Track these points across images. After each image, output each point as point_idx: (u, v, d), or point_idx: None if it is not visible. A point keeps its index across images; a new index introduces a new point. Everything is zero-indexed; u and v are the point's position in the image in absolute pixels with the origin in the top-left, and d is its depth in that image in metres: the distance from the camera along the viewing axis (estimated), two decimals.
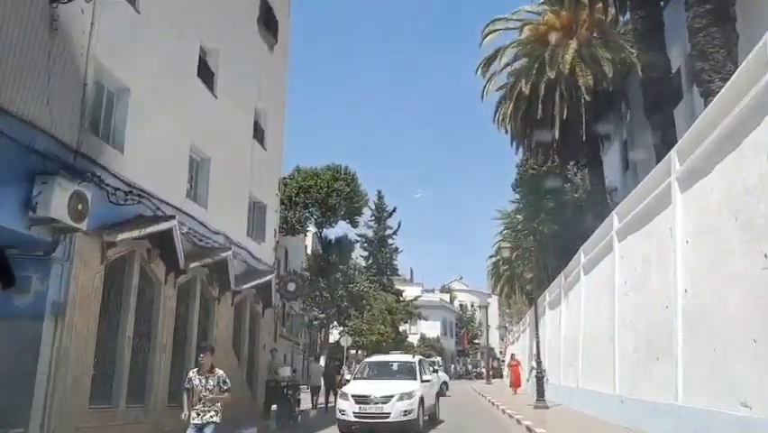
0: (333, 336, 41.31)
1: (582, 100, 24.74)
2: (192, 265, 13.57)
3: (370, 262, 55.20)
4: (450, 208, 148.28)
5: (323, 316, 34.35)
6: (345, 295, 36.99)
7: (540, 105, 25.52)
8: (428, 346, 66.31)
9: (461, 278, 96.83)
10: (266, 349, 18.55)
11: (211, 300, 15.45)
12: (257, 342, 18.09)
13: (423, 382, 14.81)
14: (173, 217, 12.20)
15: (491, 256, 61.55)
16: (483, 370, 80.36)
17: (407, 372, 15.21)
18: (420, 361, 16.42)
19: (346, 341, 31.92)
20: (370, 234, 55.52)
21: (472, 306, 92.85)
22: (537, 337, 21.05)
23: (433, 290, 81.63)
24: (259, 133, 18.98)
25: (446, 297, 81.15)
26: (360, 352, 53.65)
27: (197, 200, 14.99)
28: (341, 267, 36.95)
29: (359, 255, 55.45)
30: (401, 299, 55.13)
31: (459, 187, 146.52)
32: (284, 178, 31.63)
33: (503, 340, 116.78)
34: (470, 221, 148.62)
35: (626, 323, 13.76)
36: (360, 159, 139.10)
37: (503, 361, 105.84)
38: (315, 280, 32.75)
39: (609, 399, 14.34)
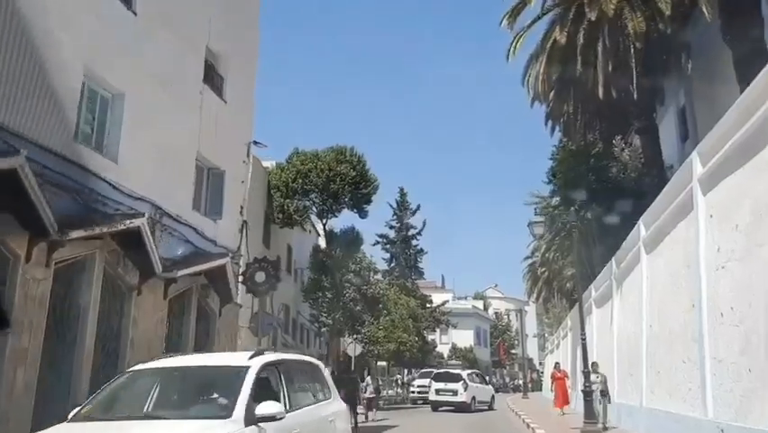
0: (343, 345, 36.91)
1: (632, 49, 20.02)
2: (76, 235, 9.30)
3: (393, 264, 50.71)
4: (484, 214, 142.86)
5: (330, 321, 29.85)
6: (359, 298, 32.48)
7: (579, 59, 20.82)
8: (460, 357, 61.28)
9: (495, 285, 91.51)
10: None
11: (126, 290, 11.16)
12: (211, 348, 13.73)
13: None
14: (17, 153, 7.93)
15: (527, 258, 56.70)
16: (521, 382, 74.91)
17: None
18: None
19: (354, 350, 27.39)
20: (391, 234, 51.11)
21: (508, 314, 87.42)
22: (584, 338, 16.14)
23: (465, 298, 76.52)
24: (214, 81, 14.74)
25: (479, 304, 75.89)
26: (391, 364, 49.27)
27: (101, 149, 10.76)
28: (352, 266, 32.47)
29: (380, 258, 51.04)
30: (427, 304, 50.37)
31: (495, 192, 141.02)
32: (281, 163, 27.54)
33: (542, 350, 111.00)
34: (506, 228, 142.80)
35: (722, 313, 9.00)
36: (388, 157, 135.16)
37: (542, 372, 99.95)
38: (318, 279, 28.33)
39: (698, 425, 9.55)
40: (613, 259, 17.85)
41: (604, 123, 25.69)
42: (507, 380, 78.89)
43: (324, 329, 31.51)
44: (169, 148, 12.49)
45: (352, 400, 21.63)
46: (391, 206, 51.12)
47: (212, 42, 14.46)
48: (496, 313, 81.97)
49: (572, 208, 18.25)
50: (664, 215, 12.06)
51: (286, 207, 26.22)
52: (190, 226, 13.25)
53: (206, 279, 13.35)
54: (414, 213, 51.12)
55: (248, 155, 16.25)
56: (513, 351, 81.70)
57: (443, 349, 61.14)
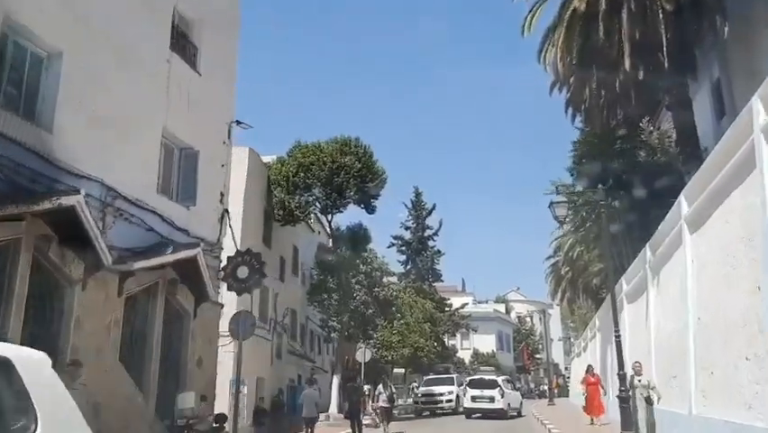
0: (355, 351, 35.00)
1: (660, 13, 17.99)
2: None
3: (409, 267, 48.69)
4: (506, 217, 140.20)
5: (338, 326, 27.91)
6: (370, 301, 30.50)
7: (601, 27, 18.81)
8: (482, 363, 59.02)
9: (517, 288, 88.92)
10: (201, 366, 12.34)
11: (67, 284, 9.33)
12: (184, 356, 11.88)
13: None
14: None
15: (549, 257, 54.34)
16: (547, 388, 72.16)
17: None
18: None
19: (363, 356, 25.42)
20: (407, 235, 49.09)
21: (531, 317, 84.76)
22: (618, 336, 13.98)
23: (486, 302, 74.14)
24: (186, 50, 12.94)
25: (501, 308, 73.44)
26: (408, 370, 47.19)
27: (32, 117, 8.98)
28: (363, 267, 30.52)
29: (396, 260, 49.06)
30: (446, 308, 48.24)
31: (516, 193, 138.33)
32: (282, 157, 25.75)
33: (567, 355, 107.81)
34: (527, 230, 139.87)
35: None
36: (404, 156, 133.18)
37: (568, 377, 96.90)
38: (323, 279, 26.41)
39: None
40: (647, 246, 15.68)
41: (630, 103, 23.54)
42: (532, 386, 76.21)
43: (333, 334, 29.58)
44: (126, 121, 10.70)
45: (355, 411, 19.75)
46: (406, 206, 49.28)
47: (181, 5, 12.67)
48: (518, 317, 79.40)
49: (600, 187, 16.07)
50: (715, 182, 9.96)
51: (286, 203, 24.36)
52: (155, 213, 11.42)
53: (177, 274, 11.48)
54: (429, 213, 49.15)
55: (229, 136, 14.42)
56: (537, 356, 79.03)
57: (465, 355, 58.94)
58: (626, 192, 22.56)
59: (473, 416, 25.43)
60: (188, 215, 12.51)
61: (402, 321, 32.71)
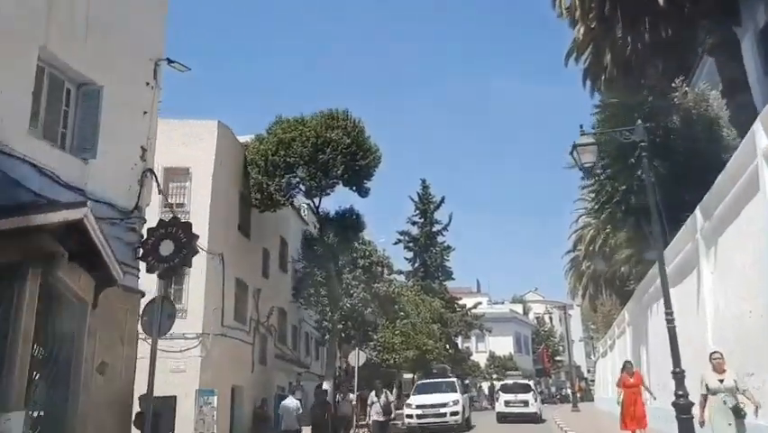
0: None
1: None
2: None
3: (417, 264, 45.35)
4: (521, 214, 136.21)
5: (329, 325, 24.67)
6: (369, 298, 27.29)
7: None
8: (499, 366, 55.39)
9: (535, 289, 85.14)
10: (106, 373, 9.14)
11: None
12: (78, 359, 8.68)
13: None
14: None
15: (568, 252, 50.70)
16: (569, 392, 68.22)
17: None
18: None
19: (356, 358, 22.16)
20: (414, 231, 45.75)
21: (550, 317, 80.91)
22: (671, 318, 10.51)
23: (502, 302, 70.49)
24: None
25: (518, 308, 69.75)
26: (417, 375, 43.78)
27: None
28: (361, 261, 27.33)
29: (403, 257, 45.76)
30: (457, 307, 44.83)
31: (531, 190, 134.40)
32: (261, 135, 22.55)
33: (588, 357, 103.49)
34: (547, 228, 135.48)
35: None
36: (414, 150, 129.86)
37: (591, 380, 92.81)
38: (309, 272, 23.11)
39: None
40: (697, 209, 12.29)
41: (660, 60, 20.15)
42: (553, 390, 72.44)
43: (327, 337, 26.37)
44: None
45: (319, 423, 16.60)
46: (412, 199, 45.97)
47: None
48: (537, 318, 75.64)
49: (639, 123, 12.66)
50: None
51: (264, 185, 21.17)
52: (26, 161, 8.27)
53: (64, 247, 8.25)
54: (438, 206, 45.76)
55: (155, 76, 11.23)
56: (558, 358, 75.16)
57: (480, 358, 55.31)
58: (661, 160, 19.14)
59: (506, 420, 25.39)
60: (86, 170, 9.34)
61: (406, 321, 29.38)
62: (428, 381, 22.24)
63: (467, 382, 52.19)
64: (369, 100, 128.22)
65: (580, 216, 45.90)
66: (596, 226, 43.43)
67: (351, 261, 24.53)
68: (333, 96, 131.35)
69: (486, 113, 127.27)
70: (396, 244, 44.96)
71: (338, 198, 54.98)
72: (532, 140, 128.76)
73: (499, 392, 27.41)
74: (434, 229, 45.57)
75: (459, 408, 20.47)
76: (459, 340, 50.49)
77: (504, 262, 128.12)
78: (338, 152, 21.39)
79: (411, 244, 44.93)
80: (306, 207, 25.38)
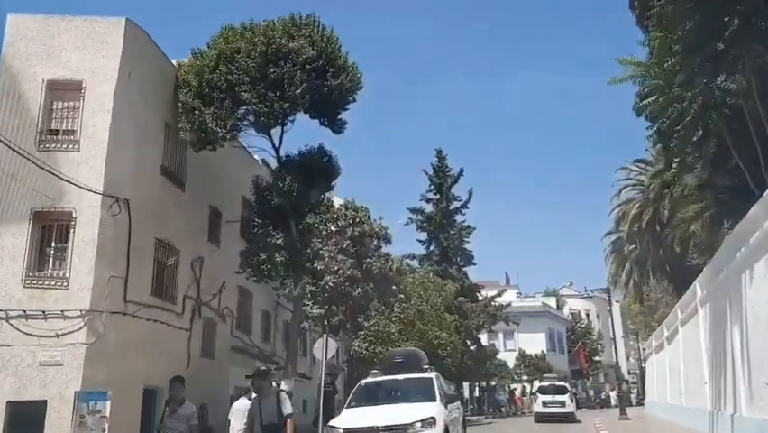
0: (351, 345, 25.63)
1: None
2: None
3: (432, 248, 39.28)
4: (556, 206, 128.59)
5: (313, 311, 18.90)
6: (360, 277, 21.48)
7: None
8: (530, 366, 48.98)
9: (570, 284, 77.88)
10: None
11: None
12: None
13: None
14: None
15: (609, 233, 44.19)
16: (614, 395, 61.31)
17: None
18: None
19: (323, 349, 16.31)
20: (428, 208, 39.65)
21: (587, 314, 73.92)
22: None
23: (533, 295, 63.92)
24: None
25: (551, 302, 63.10)
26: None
27: None
28: (349, 230, 21.61)
29: (416, 239, 39.73)
30: (479, 296, 38.67)
31: (568, 179, 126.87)
32: (202, 49, 16.79)
33: (628, 358, 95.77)
34: (583, 218, 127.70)
35: None
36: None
37: (633, 382, 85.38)
38: (263, 232, 17.21)
39: None
40: None
41: None
42: (591, 393, 65.53)
43: (305, 324, 20.70)
44: None
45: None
46: (426, 173, 39.83)
47: None
48: (572, 314, 68.80)
49: None
50: None
51: (197, 112, 15.45)
52: None
53: None
54: (456, 180, 39.52)
55: None
56: (596, 358, 68.22)
57: (508, 357, 48.79)
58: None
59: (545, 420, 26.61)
60: None
61: (408, 306, 23.45)
62: (380, 379, 11.56)
63: (493, 383, 46.25)
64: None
65: (623, 188, 39.46)
66: (642, 201, 37.05)
67: (324, 219, 18.61)
68: None
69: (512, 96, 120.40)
70: (407, 224, 39.00)
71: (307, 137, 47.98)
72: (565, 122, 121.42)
73: (537, 394, 30.14)
74: (451, 207, 39.42)
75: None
76: (484, 337, 44.39)
77: (535, 256, 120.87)
78: (298, 67, 15.58)
79: (425, 224, 38.83)
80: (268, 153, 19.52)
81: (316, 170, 17.36)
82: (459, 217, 39.60)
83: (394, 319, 21.75)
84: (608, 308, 45.17)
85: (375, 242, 23.73)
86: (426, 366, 10.61)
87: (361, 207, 23.73)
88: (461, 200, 39.71)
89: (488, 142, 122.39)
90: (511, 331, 52.90)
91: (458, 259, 38.99)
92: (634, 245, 42.55)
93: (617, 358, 32.35)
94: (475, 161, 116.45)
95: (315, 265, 21.49)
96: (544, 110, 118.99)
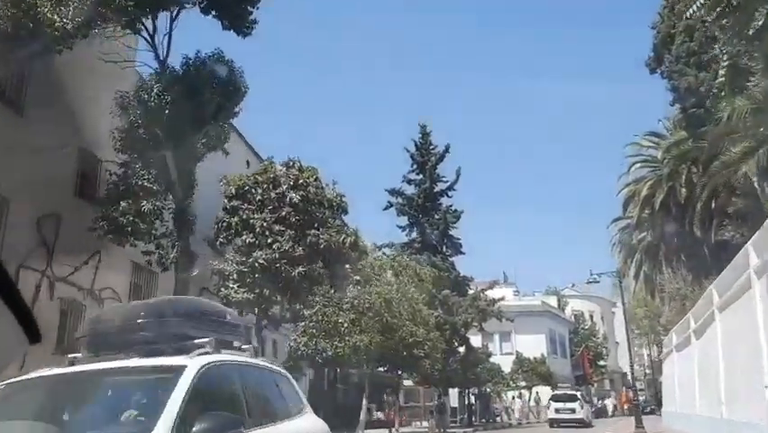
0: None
1: None
2: None
3: (413, 235, 34.36)
4: (557, 202, 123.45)
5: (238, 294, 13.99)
6: (303, 253, 16.71)
7: None
8: (528, 371, 43.81)
9: (572, 285, 73.05)
10: None
11: None
12: None
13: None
14: None
15: (617, 219, 39.27)
16: (607, 404, 56.13)
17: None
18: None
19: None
20: (409, 190, 34.78)
21: (591, 316, 68.75)
22: None
23: (533, 294, 58.91)
24: None
25: (552, 301, 58.03)
26: (416, 382, 32.63)
27: None
28: (291, 194, 16.93)
29: (395, 225, 34.80)
30: (468, 290, 33.71)
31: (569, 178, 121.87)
32: None
33: (638, 364, 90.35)
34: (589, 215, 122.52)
35: None
36: None
37: (641, 389, 80.00)
38: (130, 173, 12.10)
39: None
40: None
41: None
42: (596, 400, 60.14)
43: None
44: None
45: None
46: (407, 150, 34.97)
47: None
48: (575, 315, 63.70)
49: None
50: None
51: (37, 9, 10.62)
52: None
53: None
54: (441, 158, 34.65)
55: None
56: (600, 363, 63.07)
57: (504, 361, 43.60)
58: None
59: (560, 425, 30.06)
60: None
61: (366, 291, 18.50)
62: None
63: (486, 390, 41.19)
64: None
65: (633, 164, 34.57)
66: (655, 179, 32.15)
67: (258, 181, 13.68)
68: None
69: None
70: (386, 209, 34.10)
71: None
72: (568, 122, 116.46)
73: (550, 402, 33.49)
74: (436, 188, 34.55)
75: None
76: (477, 339, 39.34)
77: (536, 255, 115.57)
78: None
79: (405, 208, 33.92)
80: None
81: (210, 85, 12.43)
82: (445, 201, 34.79)
83: (346, 307, 16.80)
84: (620, 290, 39.82)
85: (326, 212, 18.90)
86: (205, 338, 4.55)
87: (308, 168, 18.95)
88: (447, 181, 34.92)
89: (484, 126, 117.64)
90: (508, 332, 47.87)
91: (443, 247, 34.09)
92: (644, 233, 37.70)
93: (631, 360, 27.09)
94: (472, 156, 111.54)
95: (244, 238, 16.73)
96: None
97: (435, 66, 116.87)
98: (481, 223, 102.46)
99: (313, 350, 15.95)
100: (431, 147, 34.96)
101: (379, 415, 30.72)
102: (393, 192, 33.91)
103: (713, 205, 24.94)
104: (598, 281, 22.78)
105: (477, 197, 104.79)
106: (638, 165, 32.97)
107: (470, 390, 37.81)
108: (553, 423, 30.99)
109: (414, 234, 34.08)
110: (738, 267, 14.15)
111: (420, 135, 35.16)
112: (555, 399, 32.99)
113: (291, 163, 18.51)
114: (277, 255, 16.74)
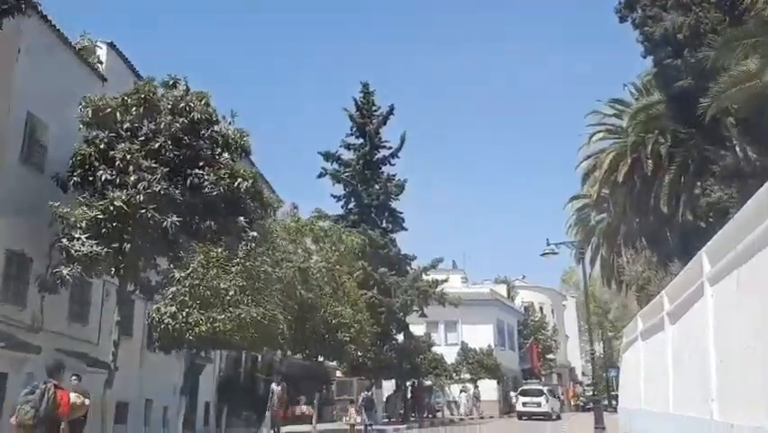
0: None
1: None
2: None
3: (350, 205, 30.37)
4: (506, 189, 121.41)
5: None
6: (177, 194, 12.55)
7: None
8: (474, 363, 40.41)
9: (523, 277, 70.56)
10: None
11: None
12: None
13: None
14: None
15: (574, 198, 36.12)
16: (564, 399, 53.64)
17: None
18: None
19: None
20: (347, 156, 30.73)
21: (541, 308, 66.20)
22: None
23: (482, 283, 55.65)
24: None
25: (502, 290, 54.89)
26: (351, 371, 28.58)
27: None
28: (164, 120, 12.63)
29: (329, 195, 30.69)
30: (409, 267, 29.99)
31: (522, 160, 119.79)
32: None
33: (586, 361, 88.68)
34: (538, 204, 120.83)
35: None
36: None
37: (588, 384, 77.98)
38: None
39: None
40: None
41: None
42: None
43: (65, 271, 11.59)
44: None
45: None
46: (346, 110, 30.84)
47: None
48: (525, 307, 60.81)
49: None
50: None
51: None
52: None
53: None
54: (385, 120, 30.68)
55: None
56: (549, 356, 60.53)
57: (450, 352, 40.06)
58: None
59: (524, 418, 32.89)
60: None
61: (266, 253, 14.43)
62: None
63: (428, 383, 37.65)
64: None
65: (594, 134, 31.28)
66: (619, 149, 28.94)
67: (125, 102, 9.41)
68: None
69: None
70: (320, 176, 29.94)
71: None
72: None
73: (518, 396, 35.91)
74: (377, 155, 30.61)
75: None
76: (421, 328, 35.71)
77: (486, 244, 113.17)
78: None
79: (342, 174, 29.84)
80: None
81: None
82: (388, 170, 30.85)
83: (235, 271, 12.71)
84: (584, 268, 36.75)
85: (220, 150, 14.80)
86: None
87: (198, 93, 14.81)
88: (390, 148, 30.98)
89: (434, 97, 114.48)
90: (454, 322, 44.45)
91: (383, 221, 30.21)
92: (603, 214, 34.63)
93: (592, 354, 23.05)
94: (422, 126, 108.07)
95: (100, 174, 12.49)
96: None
97: (385, 34, 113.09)
98: (428, 202, 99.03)
99: (182, 324, 11.83)
100: (373, 108, 30.98)
101: (305, 409, 26.78)
102: (328, 156, 29.79)
103: (690, 169, 21.82)
104: (557, 253, 19.28)
105: (424, 174, 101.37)
106: (600, 136, 29.73)
107: (410, 382, 34.23)
108: (521, 416, 33.39)
109: (351, 206, 30.08)
110: (746, 222, 10.49)
111: (362, 95, 31.13)
112: (523, 393, 35.73)
113: (173, 83, 14.28)
114: (142, 198, 12.54)
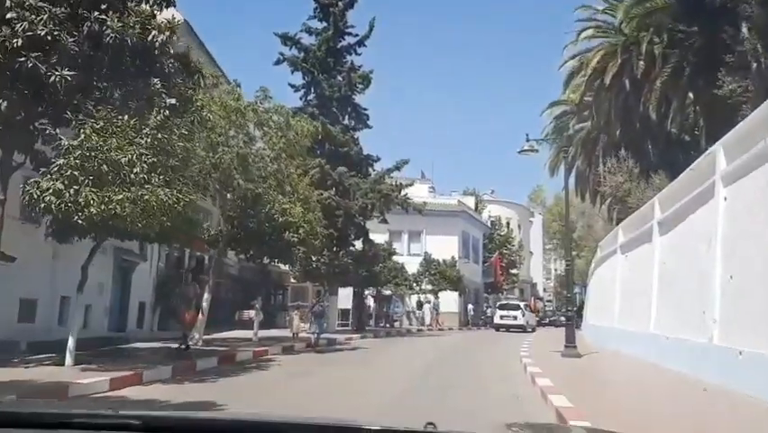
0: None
1: None
2: None
3: (311, 95, 27.43)
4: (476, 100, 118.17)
5: None
6: (66, 40, 9.60)
7: None
8: (436, 274, 38.99)
9: (492, 192, 69.09)
10: None
11: None
12: None
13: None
14: None
15: (554, 104, 33.66)
16: (559, 316, 53.28)
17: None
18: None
19: None
20: (309, 41, 27.47)
21: (508, 223, 65.12)
22: None
23: (450, 194, 53.75)
24: None
25: (470, 202, 53.14)
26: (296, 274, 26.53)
27: None
28: None
29: (287, 83, 27.62)
30: (371, 172, 27.59)
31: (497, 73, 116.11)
32: None
33: (548, 278, 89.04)
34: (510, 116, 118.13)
35: None
36: None
37: (548, 300, 78.33)
38: None
39: None
40: None
41: None
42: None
43: None
44: None
45: None
46: None
47: None
48: (492, 221, 59.37)
49: None
50: None
51: None
52: None
53: None
54: (352, 2, 27.30)
55: None
56: (513, 271, 59.90)
57: (412, 262, 38.48)
58: None
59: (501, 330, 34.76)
60: None
61: (195, 125, 11.84)
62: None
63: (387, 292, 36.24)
64: None
65: (583, 30, 28.48)
66: (609, 47, 26.27)
67: None
68: None
69: None
70: (277, 63, 26.70)
71: None
72: None
73: (497, 309, 39.02)
74: (341, 42, 27.39)
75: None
76: (383, 237, 33.78)
77: (457, 156, 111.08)
78: None
79: (301, 61, 26.69)
80: None
81: None
82: (353, 60, 27.73)
83: (143, 144, 10.11)
84: (530, 218, 35.01)
85: None
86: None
87: None
88: (356, 35, 27.76)
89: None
90: (418, 232, 42.74)
91: (345, 117, 27.44)
92: (584, 123, 32.36)
93: (571, 265, 20.72)
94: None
95: None
96: None
97: None
98: (398, 105, 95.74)
99: (69, 204, 9.32)
100: None
101: (248, 314, 24.94)
102: (286, 39, 26.51)
103: (686, 72, 19.41)
104: (537, 150, 16.87)
105: (397, 74, 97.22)
106: (590, 33, 26.93)
107: (368, 291, 32.63)
108: (499, 327, 35.37)
109: (310, 97, 27.15)
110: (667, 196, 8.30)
111: None
112: (501, 307, 38.60)
113: None
114: (21, 42, 9.68)
